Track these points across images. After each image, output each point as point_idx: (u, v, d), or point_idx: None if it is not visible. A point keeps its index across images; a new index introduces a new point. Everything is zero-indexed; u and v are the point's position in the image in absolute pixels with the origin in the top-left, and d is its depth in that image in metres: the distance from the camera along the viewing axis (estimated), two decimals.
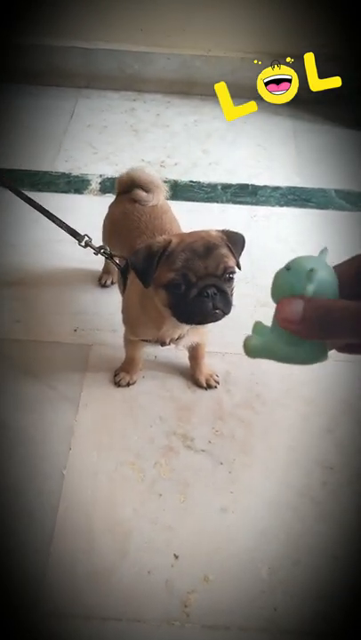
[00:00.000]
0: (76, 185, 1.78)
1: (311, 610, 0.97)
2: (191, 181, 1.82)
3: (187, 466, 1.14)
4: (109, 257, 1.16)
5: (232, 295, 0.94)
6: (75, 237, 1.16)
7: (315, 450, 1.18)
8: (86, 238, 1.16)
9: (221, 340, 1.36)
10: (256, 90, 2.36)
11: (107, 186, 1.78)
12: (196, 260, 0.88)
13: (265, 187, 1.81)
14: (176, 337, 1.06)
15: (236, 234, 0.98)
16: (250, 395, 1.26)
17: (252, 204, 1.75)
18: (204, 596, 0.98)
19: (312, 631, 0.95)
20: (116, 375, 1.26)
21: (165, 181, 1.81)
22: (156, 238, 0.94)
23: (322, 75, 2.37)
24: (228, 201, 1.75)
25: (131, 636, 0.93)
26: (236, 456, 1.16)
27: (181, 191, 1.78)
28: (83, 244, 1.15)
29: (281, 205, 1.74)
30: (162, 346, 1.08)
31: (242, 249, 0.98)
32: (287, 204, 1.75)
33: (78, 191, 1.76)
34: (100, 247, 1.17)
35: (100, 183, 1.79)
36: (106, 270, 1.48)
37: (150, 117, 2.07)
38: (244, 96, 2.32)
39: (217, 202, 1.75)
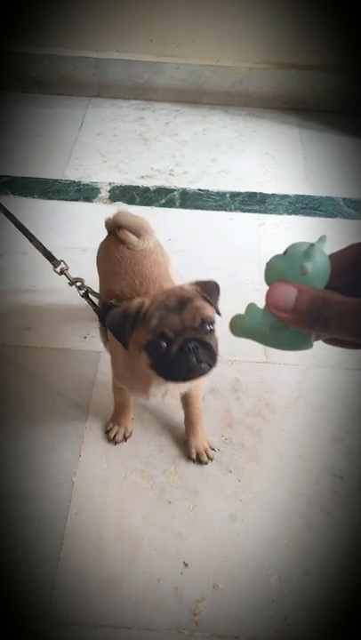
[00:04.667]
0: (85, 193, 1.80)
1: (321, 620, 0.97)
2: (200, 190, 1.83)
3: (196, 474, 1.14)
4: (84, 295, 1.10)
5: (217, 346, 0.90)
6: (50, 261, 1.10)
7: (324, 458, 1.18)
8: (62, 265, 1.10)
9: (230, 348, 1.36)
10: (262, 98, 2.39)
11: (116, 194, 1.80)
12: (170, 316, 0.85)
13: (273, 195, 1.82)
14: (165, 392, 1.01)
15: (209, 282, 0.94)
16: (259, 403, 1.26)
17: (260, 212, 1.76)
18: (214, 604, 0.98)
19: None
20: (108, 431, 1.18)
21: (174, 189, 1.83)
22: (132, 301, 0.91)
23: (330, 85, 2.40)
24: (236, 209, 1.77)
25: None
26: (246, 464, 1.16)
27: (190, 199, 1.80)
28: (58, 270, 1.10)
29: (289, 213, 1.75)
30: (146, 400, 1.05)
31: (218, 295, 0.94)
32: (295, 212, 1.76)
33: (88, 199, 1.78)
34: (76, 279, 1.11)
35: (109, 191, 1.81)
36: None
37: (159, 126, 2.09)
38: (251, 104, 2.36)
39: (225, 210, 1.76)
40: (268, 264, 0.34)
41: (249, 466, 1.16)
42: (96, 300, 1.14)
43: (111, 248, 1.14)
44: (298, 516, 1.09)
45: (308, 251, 0.32)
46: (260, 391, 1.29)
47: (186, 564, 1.02)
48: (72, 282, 1.11)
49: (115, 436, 1.17)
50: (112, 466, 1.15)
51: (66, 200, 1.76)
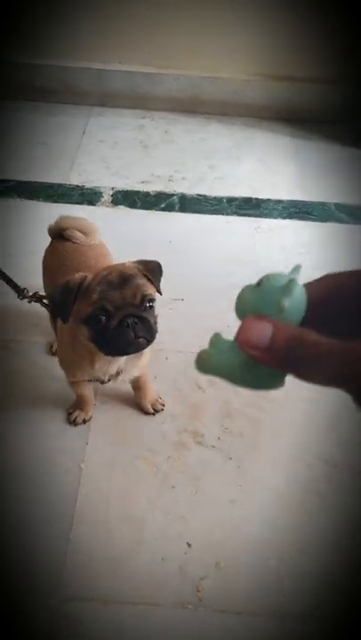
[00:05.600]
0: (89, 197, 1.87)
1: (316, 596, 1.03)
2: (198, 195, 1.91)
3: (198, 460, 1.20)
4: (38, 300, 1.12)
5: (156, 322, 0.93)
6: (15, 290, 1.12)
7: (319, 446, 1.24)
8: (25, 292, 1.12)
9: None
10: (256, 109, 2.49)
11: (118, 198, 1.88)
12: (112, 291, 0.88)
13: (268, 200, 1.90)
14: (114, 373, 1.05)
15: (152, 262, 0.98)
16: (256, 394, 1.33)
17: (255, 216, 1.84)
18: (216, 581, 1.03)
19: (317, 615, 1.01)
20: (70, 414, 1.24)
21: (174, 194, 1.91)
22: (74, 275, 0.93)
23: (321, 97, 2.51)
24: (233, 213, 1.85)
25: (147, 618, 0.99)
26: (245, 452, 1.22)
27: (189, 204, 1.87)
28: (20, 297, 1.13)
29: (283, 218, 1.84)
30: (102, 384, 1.08)
31: (160, 275, 0.98)
32: (289, 216, 1.84)
33: (91, 203, 1.85)
34: (34, 294, 1.13)
35: (111, 195, 1.89)
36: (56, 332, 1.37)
37: (159, 134, 2.18)
38: (246, 114, 2.46)
39: (222, 214, 1.84)
40: (239, 296, 0.31)
41: (248, 453, 1.22)
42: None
43: (57, 247, 1.18)
44: (294, 500, 1.15)
45: (287, 286, 0.29)
46: None
47: (189, 545, 1.08)
48: (30, 298, 1.12)
49: (75, 419, 1.23)
50: (118, 453, 1.20)
51: (70, 203, 1.83)
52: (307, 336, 0.28)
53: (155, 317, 0.95)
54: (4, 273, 1.14)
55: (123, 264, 0.96)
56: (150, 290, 0.93)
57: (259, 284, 0.30)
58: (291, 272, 0.31)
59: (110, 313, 0.89)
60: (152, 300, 0.93)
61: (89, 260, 1.13)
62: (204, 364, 0.32)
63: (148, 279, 0.94)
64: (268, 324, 0.28)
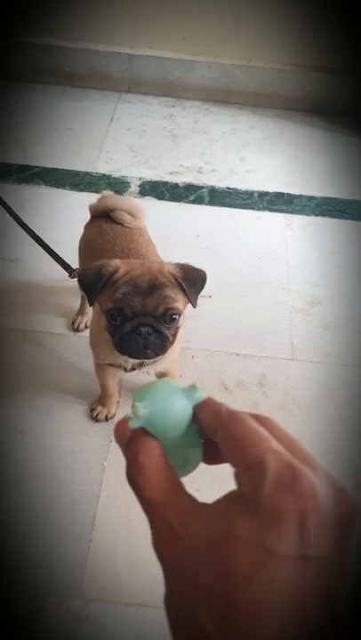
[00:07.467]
0: (116, 186, 1.83)
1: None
2: (228, 188, 1.86)
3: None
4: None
5: (175, 334, 0.91)
6: (65, 270, 1.13)
7: (347, 454, 1.20)
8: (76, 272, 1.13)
9: (258, 344, 1.39)
10: (290, 100, 2.40)
11: (146, 189, 1.83)
12: (135, 296, 0.85)
13: (300, 196, 1.84)
14: (137, 362, 1.01)
15: (196, 271, 0.92)
16: (285, 398, 1.29)
17: (287, 212, 1.78)
18: None
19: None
20: (92, 410, 1.22)
21: (203, 187, 1.86)
22: (110, 261, 0.90)
23: (358, 90, 2.40)
24: (264, 208, 1.79)
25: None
26: None
27: (218, 197, 1.82)
28: (72, 276, 1.14)
29: (316, 215, 1.78)
30: (125, 371, 1.05)
31: (201, 287, 0.92)
32: (322, 213, 1.78)
33: (118, 192, 1.80)
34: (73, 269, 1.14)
35: (139, 186, 1.84)
36: (81, 311, 1.39)
37: (189, 124, 2.12)
38: (280, 106, 2.38)
39: (253, 209, 1.79)
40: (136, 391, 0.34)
41: None
42: None
43: (105, 227, 1.13)
44: None
45: (133, 409, 0.31)
46: (287, 387, 1.32)
47: None
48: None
49: (97, 415, 1.22)
50: None
51: (97, 192, 1.75)
52: (139, 453, 0.30)
53: (175, 329, 0.90)
54: (54, 252, 1.14)
55: (161, 265, 0.90)
56: (177, 303, 0.88)
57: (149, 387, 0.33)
58: (186, 388, 0.32)
59: (127, 317, 0.87)
60: (176, 314, 0.88)
61: (140, 247, 1.09)
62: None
63: (183, 289, 0.88)
64: (128, 431, 0.31)
